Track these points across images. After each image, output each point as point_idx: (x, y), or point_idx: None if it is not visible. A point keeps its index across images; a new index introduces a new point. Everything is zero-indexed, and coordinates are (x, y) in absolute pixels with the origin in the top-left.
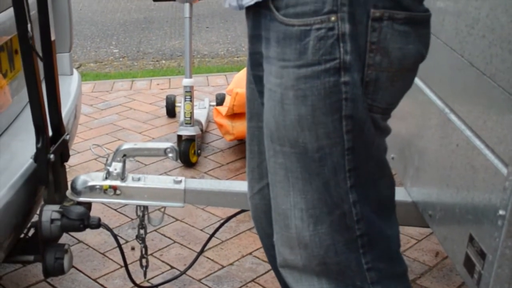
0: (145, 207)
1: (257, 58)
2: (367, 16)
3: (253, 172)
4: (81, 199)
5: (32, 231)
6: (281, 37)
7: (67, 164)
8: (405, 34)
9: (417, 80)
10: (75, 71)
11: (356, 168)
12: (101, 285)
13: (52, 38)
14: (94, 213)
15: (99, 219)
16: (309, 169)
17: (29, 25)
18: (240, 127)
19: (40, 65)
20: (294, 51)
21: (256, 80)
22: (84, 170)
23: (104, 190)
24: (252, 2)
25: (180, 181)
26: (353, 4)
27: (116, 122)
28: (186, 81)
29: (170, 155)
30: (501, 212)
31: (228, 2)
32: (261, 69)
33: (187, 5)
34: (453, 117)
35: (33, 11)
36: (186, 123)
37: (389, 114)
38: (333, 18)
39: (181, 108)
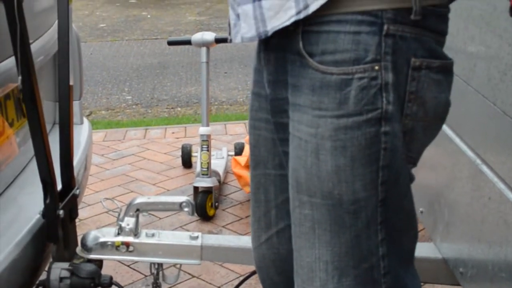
0: (160, 264)
1: (280, 105)
2: (407, 65)
3: (259, 221)
4: (92, 256)
5: None
6: (317, 85)
7: (77, 218)
8: (439, 82)
9: (446, 129)
10: (85, 119)
11: (387, 220)
12: None
13: (71, 83)
14: (105, 269)
15: (111, 278)
16: (341, 221)
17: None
18: None
19: (55, 111)
20: (333, 100)
21: (277, 128)
22: (95, 224)
23: (116, 247)
24: (288, 23)
25: (197, 237)
26: (396, 53)
27: (128, 173)
28: (203, 130)
29: (186, 209)
30: None
31: (240, 35)
32: (285, 116)
33: (204, 49)
34: (485, 168)
35: (40, 57)
36: (203, 174)
37: (416, 163)
38: (376, 67)
39: (197, 158)
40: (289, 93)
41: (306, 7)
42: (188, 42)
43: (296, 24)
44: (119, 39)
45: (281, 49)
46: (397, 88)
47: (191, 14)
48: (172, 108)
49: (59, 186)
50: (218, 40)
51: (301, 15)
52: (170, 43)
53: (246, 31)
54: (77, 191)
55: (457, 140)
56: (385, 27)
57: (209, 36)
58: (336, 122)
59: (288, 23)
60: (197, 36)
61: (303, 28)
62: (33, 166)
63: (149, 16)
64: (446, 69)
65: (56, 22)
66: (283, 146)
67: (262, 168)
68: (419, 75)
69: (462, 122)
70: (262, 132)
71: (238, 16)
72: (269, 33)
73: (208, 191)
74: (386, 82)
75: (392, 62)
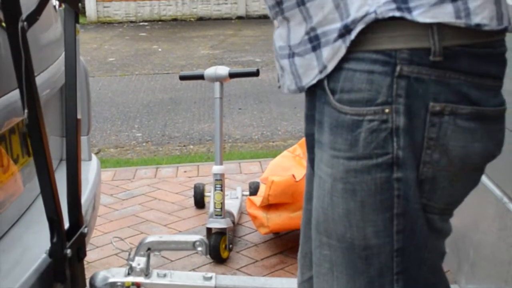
0: None
1: (310, 140)
2: (425, 110)
3: (305, 258)
4: None
5: None
6: (334, 124)
7: (85, 260)
8: (470, 130)
9: None
10: (93, 156)
11: (405, 271)
12: None
13: (78, 116)
14: None
15: None
16: (354, 266)
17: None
18: (276, 219)
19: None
20: (345, 141)
21: (311, 164)
22: (104, 266)
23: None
24: (314, 81)
25: (211, 278)
26: (410, 96)
27: (138, 213)
28: (216, 168)
29: (200, 248)
30: None
31: (286, 87)
32: (313, 152)
33: (217, 84)
34: None
35: (47, 90)
36: (216, 215)
37: (449, 214)
38: (387, 110)
39: (210, 198)
40: (316, 129)
41: (325, 67)
42: (201, 77)
43: None
44: (128, 73)
45: (313, 84)
46: (412, 133)
47: (204, 48)
48: (184, 145)
49: (66, 225)
50: (232, 75)
51: (322, 75)
52: (182, 77)
53: (289, 84)
54: (85, 229)
55: (482, 177)
56: (398, 67)
57: (223, 70)
58: (347, 164)
59: (314, 81)
60: (210, 71)
61: None
62: (39, 204)
63: (160, 49)
64: (482, 116)
65: (63, 53)
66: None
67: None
68: (441, 121)
69: None
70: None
71: (282, 68)
72: (305, 88)
73: (221, 232)
74: (397, 126)
75: (405, 105)
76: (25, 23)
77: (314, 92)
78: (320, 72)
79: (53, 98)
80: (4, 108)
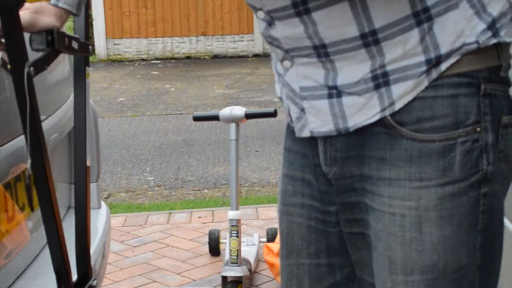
0: None
1: (349, 183)
2: (498, 123)
3: None
4: None
5: None
6: (415, 155)
7: None
8: None
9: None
10: (103, 203)
11: (484, 284)
12: None
13: (88, 163)
14: None
15: None
16: None
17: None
18: None
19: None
20: (436, 168)
21: (344, 208)
22: None
23: None
24: (373, 120)
25: None
26: (493, 112)
27: (150, 261)
28: (232, 214)
29: None
30: None
31: (309, 129)
32: (355, 195)
33: (233, 125)
34: None
35: (54, 135)
36: (232, 263)
37: None
38: (478, 129)
39: (226, 245)
40: (372, 168)
41: (392, 104)
42: (215, 118)
43: None
44: (140, 114)
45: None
46: (495, 147)
47: (219, 87)
48: (198, 190)
49: (74, 277)
50: (249, 116)
51: (387, 112)
52: (196, 118)
53: (318, 125)
54: (94, 282)
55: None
56: (482, 87)
57: (239, 111)
58: (441, 190)
59: (372, 120)
60: (225, 111)
61: None
62: (46, 255)
63: (173, 89)
64: None
65: (72, 96)
66: (349, 227)
67: (295, 257)
68: (507, 132)
69: None
70: (296, 219)
71: (303, 110)
72: (351, 130)
73: (238, 281)
74: (486, 143)
75: (490, 122)
76: (31, 68)
77: (362, 131)
78: (383, 109)
79: (61, 143)
80: (10, 154)
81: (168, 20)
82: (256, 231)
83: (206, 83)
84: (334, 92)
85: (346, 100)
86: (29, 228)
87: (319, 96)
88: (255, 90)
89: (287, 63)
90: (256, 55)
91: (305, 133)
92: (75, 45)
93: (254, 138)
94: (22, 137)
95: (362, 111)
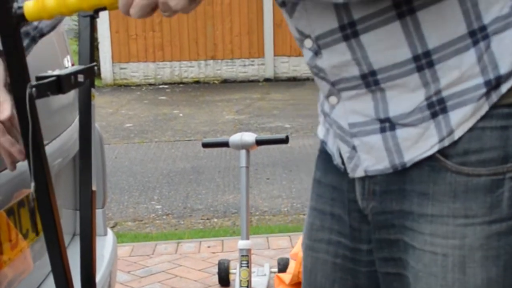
0: None
1: (388, 219)
2: None
3: None
4: None
5: None
6: (460, 189)
7: None
8: None
9: None
10: (109, 231)
11: None
12: None
13: (93, 188)
14: None
15: None
16: None
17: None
18: None
19: (75, 220)
20: (483, 204)
21: (382, 245)
22: None
23: None
24: (431, 152)
25: None
26: None
27: None
28: (243, 243)
29: None
30: None
31: (363, 168)
32: (393, 232)
33: (243, 152)
34: None
35: (58, 159)
36: None
37: None
38: None
39: (236, 275)
40: (413, 203)
41: (451, 133)
42: (225, 144)
43: None
44: (147, 140)
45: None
46: None
47: (228, 113)
48: (207, 219)
49: None
50: (259, 142)
51: (446, 142)
52: (205, 145)
53: (372, 163)
54: None
55: None
56: None
57: (249, 137)
58: (487, 229)
59: (430, 152)
60: (235, 138)
61: None
62: (50, 283)
63: (181, 114)
64: None
65: (77, 119)
66: (385, 267)
67: None
68: None
69: None
70: (321, 255)
71: (354, 148)
72: (408, 165)
73: None
74: None
75: None
76: (33, 89)
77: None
78: (442, 139)
79: (66, 167)
80: (13, 178)
81: (176, 44)
82: (267, 261)
83: (216, 109)
84: (387, 125)
85: (400, 132)
86: (33, 256)
87: (371, 131)
88: (266, 115)
89: (333, 99)
90: (266, 80)
91: (359, 173)
92: (80, 78)
93: (265, 165)
94: (24, 162)
95: (419, 144)
